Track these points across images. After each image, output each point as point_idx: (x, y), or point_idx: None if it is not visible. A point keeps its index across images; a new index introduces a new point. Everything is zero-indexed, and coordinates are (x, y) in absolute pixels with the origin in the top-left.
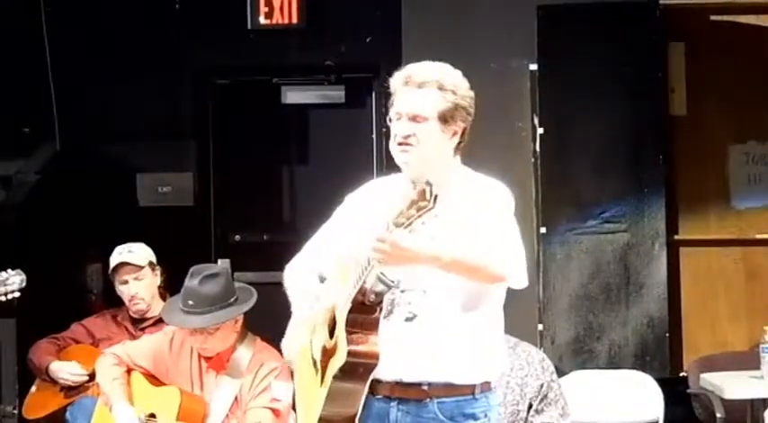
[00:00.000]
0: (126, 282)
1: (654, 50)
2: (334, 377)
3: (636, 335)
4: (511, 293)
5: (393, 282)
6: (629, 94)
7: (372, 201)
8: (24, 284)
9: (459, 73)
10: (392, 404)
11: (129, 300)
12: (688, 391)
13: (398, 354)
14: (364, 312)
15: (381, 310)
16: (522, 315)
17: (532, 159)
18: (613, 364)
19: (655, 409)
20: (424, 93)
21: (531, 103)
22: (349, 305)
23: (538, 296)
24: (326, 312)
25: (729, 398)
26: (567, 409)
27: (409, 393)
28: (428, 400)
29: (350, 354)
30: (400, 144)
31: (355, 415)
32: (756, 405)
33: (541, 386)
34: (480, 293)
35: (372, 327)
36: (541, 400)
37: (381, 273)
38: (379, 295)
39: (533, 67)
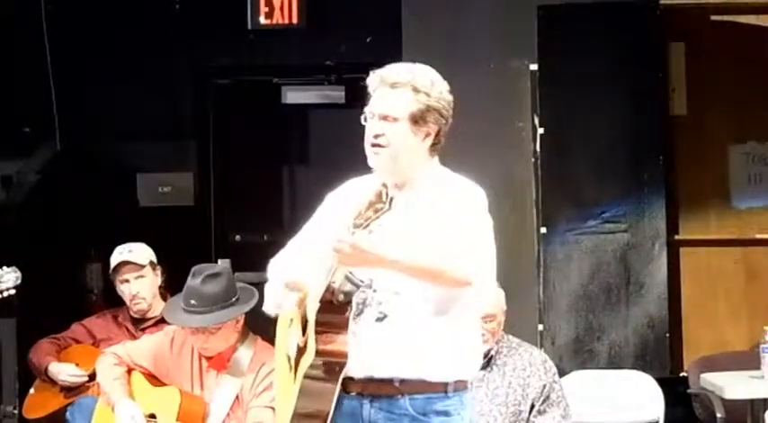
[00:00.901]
0: (127, 281)
1: (654, 50)
2: (305, 375)
3: (636, 335)
4: (511, 294)
5: (362, 282)
6: (630, 94)
7: (346, 200)
8: (19, 282)
9: (437, 76)
10: (365, 401)
11: (130, 299)
12: (688, 391)
13: (369, 352)
14: (333, 312)
15: (351, 309)
16: (522, 315)
17: (532, 159)
18: (613, 364)
19: (655, 409)
20: (397, 93)
21: (531, 103)
22: (317, 304)
23: (538, 296)
24: (298, 310)
25: (730, 398)
26: (568, 410)
27: (381, 390)
28: (400, 396)
29: (318, 352)
30: (372, 145)
31: (328, 413)
32: (756, 405)
33: (544, 387)
34: (453, 295)
35: (342, 326)
36: (544, 401)
37: (350, 273)
38: (348, 295)
39: (533, 67)
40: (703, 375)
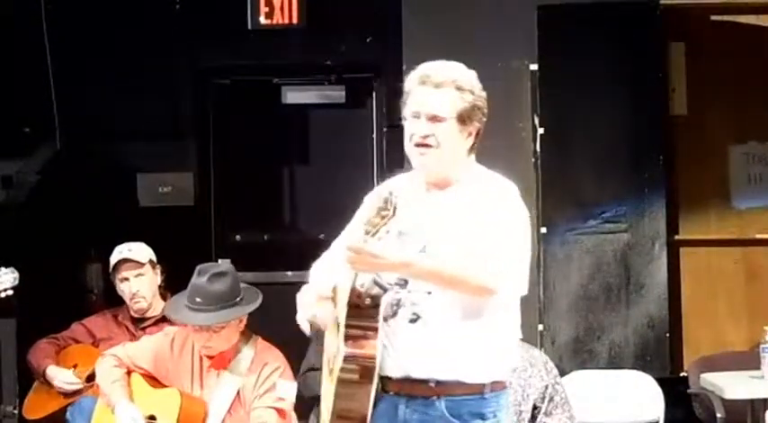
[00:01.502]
0: (126, 279)
1: (654, 50)
2: (338, 378)
3: (636, 335)
4: None
5: (390, 285)
6: (630, 94)
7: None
8: (17, 282)
9: (473, 73)
10: (401, 402)
11: (130, 298)
12: (688, 391)
13: (404, 353)
14: (362, 315)
15: (380, 312)
16: (522, 315)
17: (533, 159)
18: (614, 364)
19: (655, 409)
20: (443, 93)
21: (531, 103)
22: (346, 308)
23: (538, 296)
24: (333, 314)
25: (730, 398)
26: (572, 412)
27: (416, 390)
28: (435, 397)
29: (347, 356)
30: (418, 145)
31: (365, 415)
32: (757, 405)
33: (546, 388)
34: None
35: (372, 329)
36: (549, 402)
37: (377, 276)
38: (375, 298)
39: (533, 67)
40: (703, 375)
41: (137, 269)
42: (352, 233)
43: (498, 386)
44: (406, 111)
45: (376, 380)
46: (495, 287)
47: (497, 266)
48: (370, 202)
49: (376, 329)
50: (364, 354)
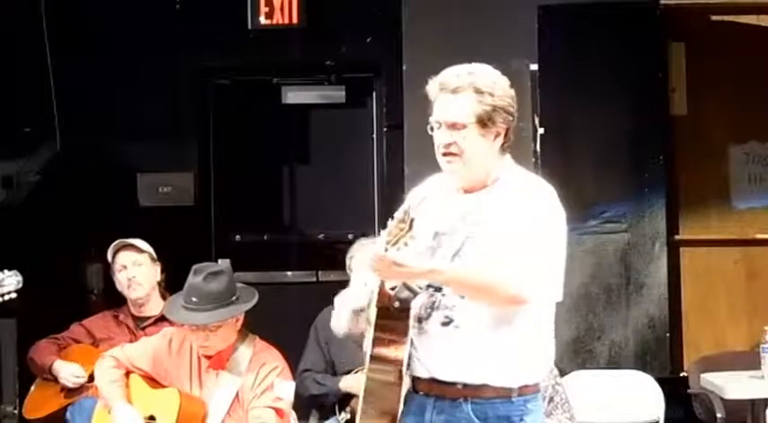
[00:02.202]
0: (125, 267)
1: (654, 50)
2: (367, 378)
3: (636, 335)
4: None
5: (420, 288)
6: (630, 94)
7: (416, 202)
8: (21, 285)
9: (497, 73)
10: (429, 403)
11: (127, 286)
12: (688, 391)
13: (435, 355)
14: (391, 318)
15: (409, 316)
16: None
17: (533, 159)
18: (614, 364)
19: (655, 409)
20: (460, 98)
21: (531, 103)
22: (375, 310)
23: None
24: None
25: (730, 398)
26: (572, 412)
27: (445, 392)
28: (462, 399)
29: (373, 357)
30: (444, 155)
31: (395, 415)
32: (757, 405)
33: (546, 388)
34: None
35: (400, 332)
36: (548, 402)
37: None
38: (405, 302)
39: (533, 67)
40: (703, 375)
41: (135, 255)
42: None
43: (527, 390)
44: (431, 120)
45: (405, 381)
46: (523, 296)
47: (527, 275)
48: (407, 201)
49: (405, 333)
50: (391, 357)
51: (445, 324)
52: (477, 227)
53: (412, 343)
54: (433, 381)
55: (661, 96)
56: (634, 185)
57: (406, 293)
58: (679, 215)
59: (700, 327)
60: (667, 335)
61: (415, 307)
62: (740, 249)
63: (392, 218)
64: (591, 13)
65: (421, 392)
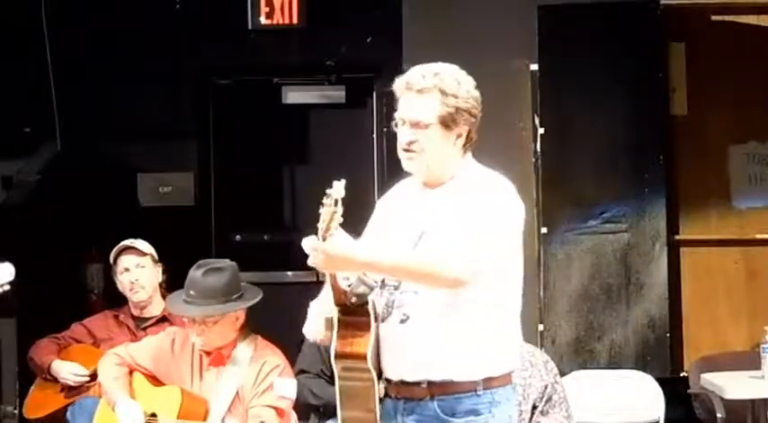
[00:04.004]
0: (127, 270)
1: (654, 50)
2: (339, 377)
3: (636, 335)
4: None
5: (375, 283)
6: (630, 94)
7: (385, 205)
8: (13, 277)
9: (462, 73)
10: (399, 405)
11: (129, 288)
12: (689, 391)
13: (398, 355)
14: (352, 314)
15: (369, 310)
16: (522, 315)
17: (533, 159)
18: (614, 364)
19: (655, 410)
20: (425, 99)
21: (531, 103)
22: (335, 308)
23: (538, 296)
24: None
25: (730, 398)
26: (570, 411)
27: (411, 393)
28: (428, 398)
29: (337, 354)
30: (405, 150)
31: (375, 417)
32: (757, 405)
33: (545, 387)
34: (473, 292)
35: (364, 328)
36: (546, 401)
37: (363, 274)
38: (361, 296)
39: (533, 67)
40: (704, 375)
41: (138, 258)
42: (366, 240)
43: (493, 382)
44: (396, 116)
45: (374, 376)
46: (463, 277)
47: (468, 257)
48: (380, 206)
49: (368, 328)
50: (354, 352)
51: (403, 321)
52: (431, 222)
53: (378, 345)
54: (401, 383)
55: (661, 96)
56: (634, 185)
57: (362, 288)
58: (679, 215)
59: (700, 327)
60: (667, 335)
61: (377, 307)
62: (740, 249)
63: (321, 204)
64: (591, 13)
65: (392, 395)
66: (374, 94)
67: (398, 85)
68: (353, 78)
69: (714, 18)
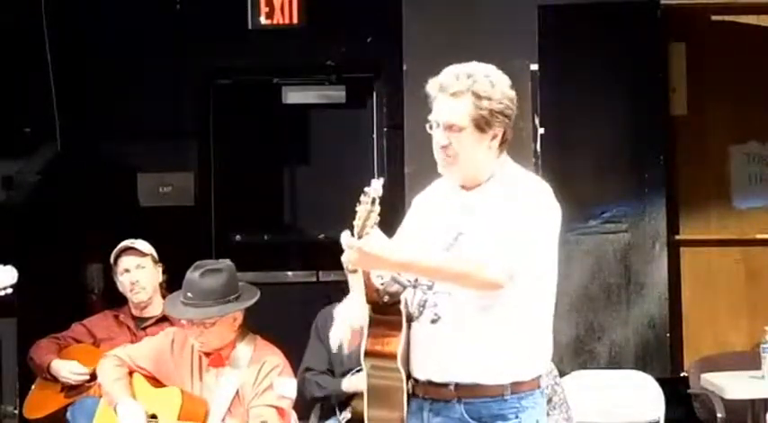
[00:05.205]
0: (127, 270)
1: (654, 50)
2: (368, 375)
3: (636, 335)
4: None
5: (409, 282)
6: (630, 94)
7: (420, 203)
8: (16, 280)
9: (497, 74)
10: (425, 404)
11: (129, 289)
12: (689, 391)
13: (427, 355)
14: (384, 313)
15: (401, 310)
16: None
17: (533, 159)
18: (614, 364)
19: (655, 410)
20: (458, 102)
21: (531, 102)
22: (366, 306)
23: None
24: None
25: (730, 398)
26: (570, 412)
27: (439, 394)
28: (455, 400)
29: (367, 353)
30: (441, 154)
31: (401, 416)
32: (757, 405)
33: (544, 388)
34: (507, 294)
35: (395, 327)
36: (547, 403)
37: (397, 273)
38: (394, 295)
39: (534, 67)
40: (704, 375)
41: (138, 259)
42: (400, 238)
43: (521, 388)
44: (430, 118)
45: (403, 376)
46: (499, 280)
47: (504, 260)
48: (415, 204)
49: (399, 327)
50: (385, 351)
51: (434, 321)
52: (468, 223)
53: (408, 344)
54: (429, 383)
55: (661, 96)
56: (634, 185)
57: (395, 287)
58: (679, 215)
59: (700, 327)
60: (667, 335)
61: (410, 306)
62: (740, 249)
63: (359, 203)
64: (591, 13)
65: (419, 395)
66: (374, 94)
67: (432, 86)
68: (353, 78)
69: (714, 18)
